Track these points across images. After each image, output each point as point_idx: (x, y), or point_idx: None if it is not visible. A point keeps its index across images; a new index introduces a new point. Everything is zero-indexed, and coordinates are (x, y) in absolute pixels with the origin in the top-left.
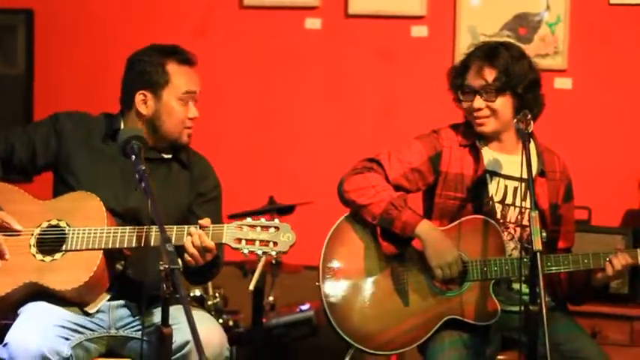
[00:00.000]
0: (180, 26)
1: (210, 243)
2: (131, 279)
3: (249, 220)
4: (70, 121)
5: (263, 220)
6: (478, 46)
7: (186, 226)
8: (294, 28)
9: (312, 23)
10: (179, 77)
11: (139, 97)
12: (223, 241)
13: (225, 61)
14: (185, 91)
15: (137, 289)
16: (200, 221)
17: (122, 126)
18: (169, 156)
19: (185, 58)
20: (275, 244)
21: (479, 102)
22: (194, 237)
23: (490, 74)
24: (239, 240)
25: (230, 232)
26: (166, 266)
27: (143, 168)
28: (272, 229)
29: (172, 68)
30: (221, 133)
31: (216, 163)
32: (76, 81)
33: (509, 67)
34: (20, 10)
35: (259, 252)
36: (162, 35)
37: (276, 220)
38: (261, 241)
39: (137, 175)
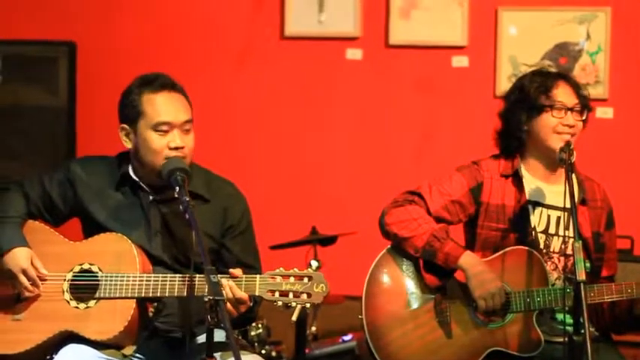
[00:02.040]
0: (221, 57)
1: (242, 294)
2: (166, 317)
3: (281, 269)
4: (82, 170)
5: (296, 270)
6: (543, 71)
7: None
8: (335, 58)
9: (353, 54)
10: (152, 107)
11: (122, 133)
12: (256, 293)
13: (266, 92)
14: (157, 122)
15: (173, 328)
16: (232, 271)
17: (130, 167)
18: None
19: (161, 85)
20: (309, 295)
21: (571, 119)
22: (225, 289)
23: (575, 96)
24: (272, 292)
25: (263, 284)
26: (210, 297)
27: (187, 199)
28: (305, 280)
29: (147, 98)
30: (263, 163)
31: (258, 192)
32: (117, 112)
33: (583, 93)
34: (62, 42)
35: (293, 304)
36: (203, 66)
37: (310, 269)
38: (294, 292)
39: (182, 207)
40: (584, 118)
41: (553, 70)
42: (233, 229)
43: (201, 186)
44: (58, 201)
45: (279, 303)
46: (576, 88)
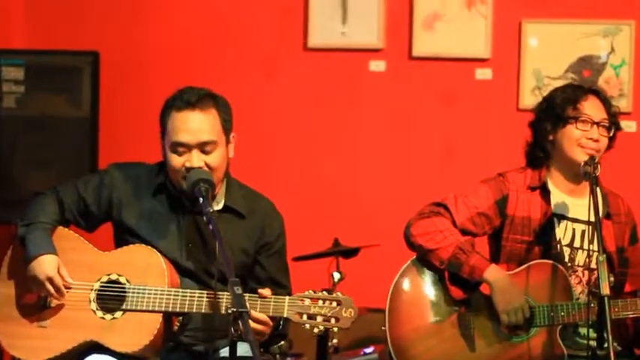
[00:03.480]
0: (244, 68)
1: (260, 316)
2: (191, 331)
3: (311, 292)
4: (120, 175)
5: (325, 293)
6: (575, 84)
7: (247, 295)
8: (359, 70)
9: (376, 65)
10: (172, 126)
11: (161, 142)
12: (285, 315)
13: (289, 103)
14: (173, 141)
15: (197, 341)
16: (260, 291)
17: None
18: (219, 207)
19: (184, 103)
20: (337, 320)
21: (595, 133)
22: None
23: (604, 111)
24: (300, 314)
25: (292, 305)
26: (234, 310)
27: (211, 210)
28: (334, 303)
29: (170, 115)
30: (285, 174)
31: (281, 203)
32: (141, 123)
33: (613, 110)
34: (86, 51)
35: (321, 327)
36: (228, 77)
37: (339, 294)
38: (323, 316)
39: (205, 218)
40: (610, 134)
41: (582, 84)
42: (269, 247)
43: (239, 201)
44: (93, 205)
45: (307, 326)
46: (607, 104)
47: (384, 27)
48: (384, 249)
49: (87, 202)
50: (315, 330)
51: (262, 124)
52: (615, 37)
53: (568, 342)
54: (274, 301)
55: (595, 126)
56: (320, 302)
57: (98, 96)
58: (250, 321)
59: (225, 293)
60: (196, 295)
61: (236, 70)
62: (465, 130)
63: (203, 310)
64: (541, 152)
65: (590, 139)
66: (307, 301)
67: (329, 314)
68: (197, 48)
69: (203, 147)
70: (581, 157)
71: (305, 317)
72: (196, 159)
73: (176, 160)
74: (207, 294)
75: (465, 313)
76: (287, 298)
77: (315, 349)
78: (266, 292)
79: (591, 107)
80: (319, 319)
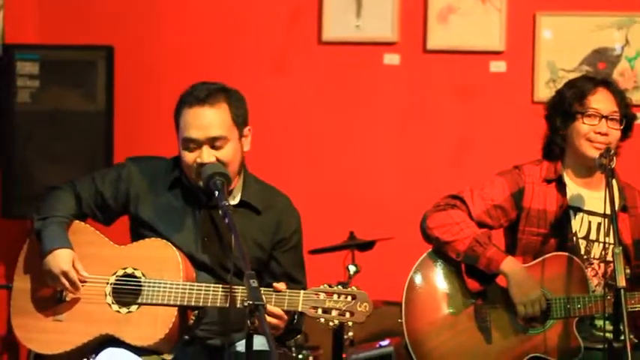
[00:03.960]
0: (259, 62)
1: (275, 310)
2: (207, 325)
3: (326, 286)
4: (137, 168)
5: (340, 288)
6: (588, 76)
7: (262, 289)
8: (373, 63)
9: (391, 59)
10: (183, 122)
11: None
12: (299, 309)
13: (303, 97)
14: (183, 137)
15: (213, 335)
16: (275, 285)
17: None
18: (235, 202)
19: (194, 99)
20: (352, 314)
21: (604, 127)
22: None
23: (615, 104)
24: (315, 308)
25: (307, 300)
26: (250, 302)
27: (227, 204)
28: (349, 298)
29: (182, 111)
30: (300, 168)
31: (296, 197)
32: (155, 117)
33: (626, 101)
34: (100, 46)
35: (336, 322)
36: (242, 71)
37: (354, 288)
38: (337, 310)
39: (221, 211)
40: (622, 127)
41: (594, 76)
42: (285, 243)
43: (256, 197)
44: (110, 198)
45: (322, 320)
46: (618, 95)
47: (399, 20)
48: (399, 242)
49: (104, 195)
50: (330, 324)
51: (277, 118)
52: (630, 29)
53: (584, 334)
54: (289, 295)
55: (604, 120)
56: (335, 296)
57: (113, 90)
58: (265, 315)
59: (241, 287)
60: (212, 288)
61: (250, 63)
62: (480, 123)
63: (218, 304)
64: (555, 146)
65: (599, 133)
66: (322, 295)
67: (344, 308)
68: (211, 42)
69: (213, 142)
70: (590, 151)
71: (320, 311)
72: (207, 154)
73: (188, 157)
74: (223, 287)
75: (482, 306)
76: (302, 292)
77: (330, 342)
78: (281, 286)
79: (599, 101)
80: (334, 313)
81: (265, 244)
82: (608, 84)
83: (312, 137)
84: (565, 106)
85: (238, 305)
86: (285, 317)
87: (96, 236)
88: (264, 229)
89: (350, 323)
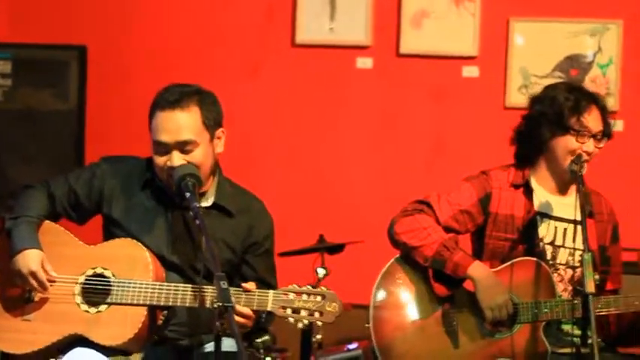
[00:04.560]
0: (232, 64)
1: (243, 309)
2: (175, 326)
3: (295, 286)
4: (111, 168)
5: (309, 288)
6: (580, 89)
7: (231, 289)
8: (346, 67)
9: (364, 62)
10: (154, 125)
11: None
12: (268, 309)
13: (277, 99)
14: (154, 140)
15: (182, 335)
16: (244, 285)
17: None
18: (208, 204)
19: (165, 102)
20: (321, 314)
21: (591, 146)
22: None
23: (602, 123)
24: (284, 308)
25: (276, 300)
26: (220, 304)
27: (198, 205)
28: (318, 298)
29: (155, 114)
30: (271, 171)
31: (267, 199)
32: (127, 117)
33: (608, 120)
34: (73, 46)
35: (305, 321)
36: (215, 73)
37: (323, 288)
38: (307, 310)
39: (192, 212)
40: (601, 145)
41: (585, 89)
42: (257, 247)
43: (229, 200)
44: (84, 197)
45: (291, 320)
46: (604, 113)
47: (372, 24)
48: (369, 246)
49: (78, 194)
50: (300, 325)
51: (249, 121)
52: (602, 36)
53: (552, 339)
54: (258, 295)
55: (592, 138)
56: (304, 296)
57: (85, 90)
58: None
59: (210, 287)
60: (181, 288)
61: (223, 66)
62: (452, 127)
63: (188, 304)
64: (533, 150)
65: (585, 151)
66: (291, 295)
67: (313, 308)
68: (185, 43)
69: (182, 146)
70: (573, 166)
71: (289, 311)
72: (176, 158)
73: (158, 160)
74: (192, 288)
75: (449, 310)
76: (271, 292)
77: (299, 344)
78: (250, 286)
79: (593, 120)
80: (303, 313)
81: (237, 247)
82: (598, 102)
83: (285, 140)
84: (560, 119)
85: (207, 305)
86: (254, 316)
87: (66, 236)
88: (236, 232)
89: (319, 323)
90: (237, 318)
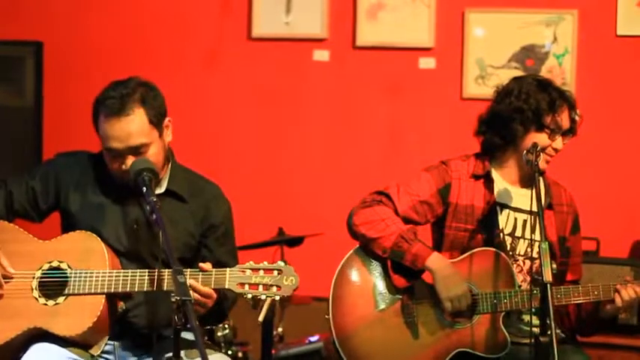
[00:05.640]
0: (189, 57)
1: (205, 290)
2: (135, 317)
3: (251, 263)
4: (65, 163)
5: (266, 263)
6: (551, 84)
7: (188, 270)
8: (303, 59)
9: (321, 55)
10: (101, 132)
11: None
12: (226, 286)
13: (233, 92)
14: (106, 147)
15: (142, 327)
16: (201, 265)
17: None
18: (162, 190)
19: (110, 110)
20: (278, 287)
21: (560, 144)
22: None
23: (570, 119)
24: (242, 284)
25: (233, 277)
26: (178, 298)
27: (155, 199)
28: (275, 273)
29: (99, 120)
30: (229, 164)
31: (226, 193)
32: (85, 113)
33: (576, 117)
34: (29, 42)
35: (262, 297)
36: (172, 66)
37: (280, 263)
38: (264, 285)
39: (149, 207)
40: (566, 141)
41: (554, 85)
42: (214, 229)
43: (182, 185)
44: (41, 193)
45: (249, 296)
46: (573, 110)
47: (328, 17)
48: (328, 238)
49: (35, 190)
50: (255, 299)
51: (205, 114)
52: (558, 27)
53: (512, 329)
54: (216, 274)
55: (561, 136)
56: (261, 272)
57: (42, 86)
58: (194, 292)
59: (167, 271)
60: (138, 273)
61: (180, 59)
62: (409, 119)
63: (145, 289)
64: (500, 141)
65: (555, 148)
66: (248, 272)
67: (270, 283)
68: (140, 37)
69: (135, 150)
70: (541, 164)
71: (247, 287)
72: (130, 161)
73: (112, 163)
74: (149, 272)
75: (408, 302)
76: (228, 270)
77: (260, 337)
78: (207, 266)
79: (565, 118)
80: (260, 288)
81: (194, 230)
82: (568, 99)
83: (241, 133)
84: (536, 117)
85: (165, 289)
86: (214, 296)
87: (20, 233)
88: (192, 216)
89: (277, 297)
90: (197, 296)
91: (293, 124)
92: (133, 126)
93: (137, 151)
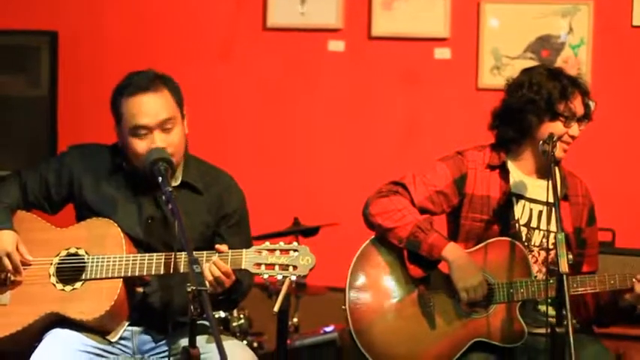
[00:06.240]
0: (204, 48)
1: (224, 266)
2: (153, 304)
3: (267, 244)
4: (79, 155)
5: (282, 244)
6: (562, 72)
7: (204, 252)
8: (318, 50)
9: (336, 45)
10: (128, 111)
11: (116, 130)
12: (242, 267)
13: (248, 83)
14: (133, 125)
15: (160, 313)
16: (218, 246)
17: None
18: (177, 183)
19: (135, 88)
20: (295, 267)
21: (576, 130)
22: (210, 266)
23: (583, 105)
24: (258, 265)
25: (249, 258)
26: (193, 288)
27: (170, 189)
28: (292, 252)
29: (123, 102)
30: (244, 154)
31: (241, 183)
32: (99, 103)
33: (590, 102)
34: (44, 31)
35: (279, 277)
36: (187, 57)
37: (295, 243)
38: (280, 265)
39: (164, 197)
40: (583, 127)
41: (565, 72)
42: (228, 219)
43: (196, 177)
44: (55, 186)
45: (266, 276)
46: (586, 96)
47: (343, 7)
48: (343, 228)
49: (49, 182)
50: (280, 278)
51: (221, 104)
52: (573, 17)
53: (528, 319)
54: (232, 255)
55: (577, 122)
56: (277, 253)
57: (57, 76)
58: (214, 270)
59: (184, 253)
60: (155, 257)
61: (195, 50)
62: (425, 109)
63: (162, 272)
64: (516, 134)
65: (571, 136)
66: (264, 253)
67: (287, 263)
68: (156, 28)
69: (164, 125)
70: (559, 152)
71: (263, 268)
72: (159, 139)
73: (139, 146)
74: (166, 256)
75: (425, 292)
76: (244, 250)
77: (275, 327)
78: (223, 247)
79: (578, 104)
80: (277, 268)
81: (209, 220)
82: (581, 86)
83: (257, 123)
84: (549, 106)
85: (181, 271)
86: (233, 277)
87: (38, 222)
88: (207, 207)
89: (294, 277)
90: (217, 273)
91: (308, 115)
92: (161, 101)
93: (166, 126)
